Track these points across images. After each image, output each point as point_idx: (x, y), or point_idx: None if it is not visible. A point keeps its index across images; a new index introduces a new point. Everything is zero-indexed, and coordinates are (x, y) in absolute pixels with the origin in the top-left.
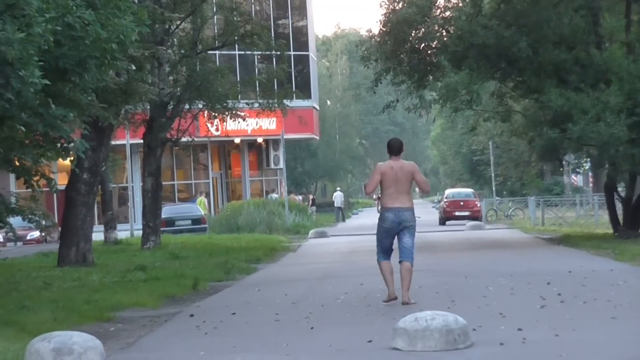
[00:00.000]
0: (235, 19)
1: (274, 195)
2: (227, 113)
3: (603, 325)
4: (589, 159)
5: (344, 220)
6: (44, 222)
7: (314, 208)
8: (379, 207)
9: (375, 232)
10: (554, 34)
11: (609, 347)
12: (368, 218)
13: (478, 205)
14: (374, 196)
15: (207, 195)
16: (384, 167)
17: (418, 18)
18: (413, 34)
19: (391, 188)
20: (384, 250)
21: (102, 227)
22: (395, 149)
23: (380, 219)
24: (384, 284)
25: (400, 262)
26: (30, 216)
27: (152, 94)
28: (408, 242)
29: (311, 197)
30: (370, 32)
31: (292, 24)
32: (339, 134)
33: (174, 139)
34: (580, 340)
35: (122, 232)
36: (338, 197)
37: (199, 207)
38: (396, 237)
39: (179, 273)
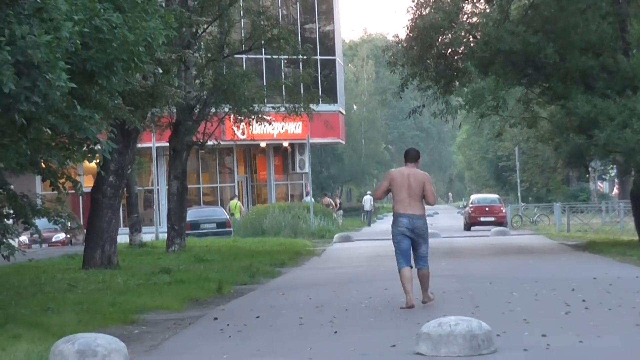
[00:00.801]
0: (262, 23)
1: (309, 199)
2: (253, 117)
3: (628, 332)
4: (615, 166)
5: (369, 224)
6: (69, 224)
7: (340, 212)
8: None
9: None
10: (581, 41)
11: (634, 354)
12: None
13: (503, 211)
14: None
15: (233, 199)
16: (394, 173)
17: (445, 24)
18: (440, 40)
19: (402, 193)
20: (404, 254)
21: (127, 230)
22: (411, 156)
23: (394, 224)
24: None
25: (417, 269)
26: (55, 218)
27: (179, 97)
28: (424, 251)
29: (338, 200)
30: (397, 37)
31: (318, 28)
32: (364, 139)
33: (199, 143)
34: (605, 347)
35: (147, 235)
36: (367, 200)
37: (234, 210)
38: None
39: (203, 276)
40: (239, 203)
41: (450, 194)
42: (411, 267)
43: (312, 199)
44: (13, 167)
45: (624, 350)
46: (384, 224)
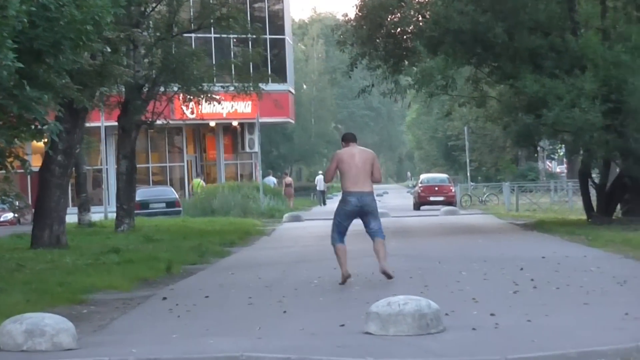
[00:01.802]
0: (211, 1)
1: (272, 179)
2: (202, 96)
3: (576, 311)
4: (563, 145)
5: (325, 203)
6: (17, 204)
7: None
8: None
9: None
10: (530, 20)
11: (581, 332)
12: None
13: (453, 190)
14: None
15: (183, 179)
16: (341, 153)
17: (394, 3)
18: (389, 19)
19: (351, 172)
20: (341, 232)
21: (76, 209)
22: (350, 137)
23: (342, 202)
24: (339, 266)
25: (374, 240)
26: (3, 197)
27: (127, 76)
28: (375, 226)
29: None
30: (347, 16)
31: (268, 7)
32: (314, 118)
33: (148, 122)
34: (553, 325)
35: (96, 215)
36: (320, 180)
37: (196, 189)
38: (362, 222)
39: (152, 256)
40: (202, 182)
41: (408, 172)
42: (344, 243)
43: (275, 180)
44: None
45: (572, 328)
46: (335, 203)
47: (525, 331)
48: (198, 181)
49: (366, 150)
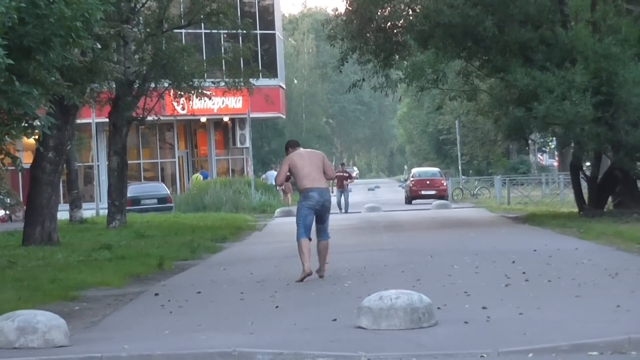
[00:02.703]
0: None
1: (273, 173)
2: (193, 92)
3: (567, 304)
4: (554, 138)
5: None
6: (8, 201)
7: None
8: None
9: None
10: (520, 13)
11: (573, 325)
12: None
13: (444, 184)
14: (277, 188)
15: (175, 175)
16: (291, 156)
17: None
18: (379, 13)
19: (306, 169)
20: (307, 227)
21: (67, 206)
22: (294, 143)
23: (304, 198)
24: (301, 262)
25: (319, 241)
26: None
27: (118, 72)
28: (327, 224)
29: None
30: (337, 11)
31: (258, 2)
32: (305, 113)
33: (139, 118)
34: (545, 318)
35: (87, 211)
36: None
37: (195, 184)
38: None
39: (144, 252)
40: (200, 177)
41: (405, 166)
42: (310, 239)
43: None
44: None
45: (564, 321)
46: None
47: (517, 324)
48: (196, 175)
49: (314, 151)
